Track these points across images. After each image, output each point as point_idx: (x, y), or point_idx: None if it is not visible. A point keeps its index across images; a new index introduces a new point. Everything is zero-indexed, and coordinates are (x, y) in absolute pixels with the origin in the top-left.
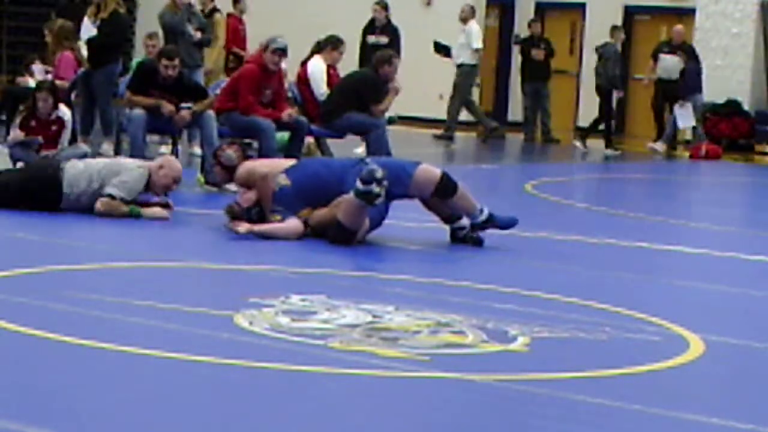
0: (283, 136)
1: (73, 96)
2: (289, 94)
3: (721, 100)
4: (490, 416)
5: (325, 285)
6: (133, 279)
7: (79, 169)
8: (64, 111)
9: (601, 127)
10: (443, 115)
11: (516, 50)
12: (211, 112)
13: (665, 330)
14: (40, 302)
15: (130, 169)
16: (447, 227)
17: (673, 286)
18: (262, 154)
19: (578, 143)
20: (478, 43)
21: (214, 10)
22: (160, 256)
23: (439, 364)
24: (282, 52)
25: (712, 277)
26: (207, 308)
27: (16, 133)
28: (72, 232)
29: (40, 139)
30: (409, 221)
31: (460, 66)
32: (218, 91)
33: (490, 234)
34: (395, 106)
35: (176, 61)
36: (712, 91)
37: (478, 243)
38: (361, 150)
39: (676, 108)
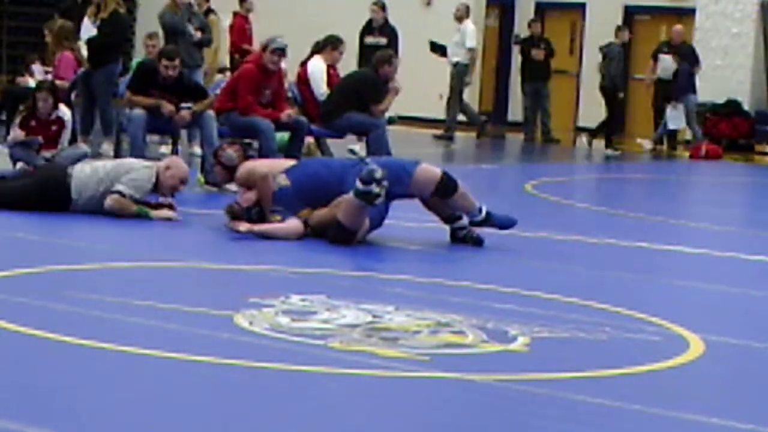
0: (283, 136)
1: (73, 96)
2: (289, 94)
3: (721, 100)
4: (490, 416)
5: (325, 285)
6: (133, 279)
7: (86, 174)
8: (64, 111)
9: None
10: (443, 115)
11: (516, 50)
12: (211, 112)
13: (665, 330)
14: (40, 302)
15: (138, 168)
16: (447, 227)
17: (673, 286)
18: (262, 154)
19: (612, 152)
20: (472, 42)
21: (209, 11)
22: (160, 256)
23: (439, 364)
24: (281, 52)
25: (712, 277)
26: (207, 308)
27: (16, 133)
28: (72, 232)
29: (40, 139)
30: (409, 221)
31: (455, 65)
32: (218, 91)
33: (490, 234)
34: (395, 106)
35: (176, 62)
36: (712, 91)
37: (478, 243)
38: (357, 147)
39: (669, 109)
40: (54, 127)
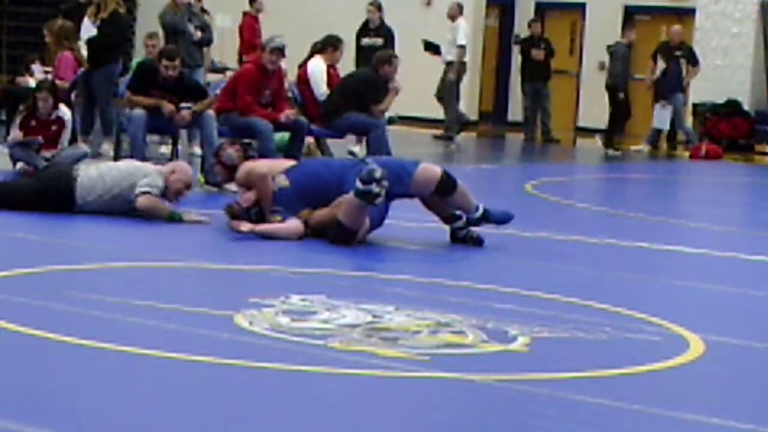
0: (284, 136)
1: (73, 96)
2: (289, 95)
3: (721, 100)
4: (490, 416)
5: (325, 285)
6: (133, 279)
7: (92, 178)
8: (64, 111)
9: (603, 126)
10: (443, 115)
11: (516, 50)
12: (211, 112)
13: (665, 330)
14: (40, 302)
15: (150, 173)
16: (447, 227)
17: (673, 286)
18: (261, 155)
19: (612, 152)
20: (463, 40)
21: (202, 10)
22: (160, 256)
23: (439, 364)
24: (280, 51)
25: (712, 277)
26: (207, 308)
27: (16, 133)
28: (72, 232)
29: (40, 139)
30: (409, 221)
31: (449, 64)
32: (218, 91)
33: (490, 234)
34: (395, 106)
35: (176, 61)
36: (712, 91)
37: (479, 243)
38: (357, 148)
39: (657, 108)
40: (54, 127)
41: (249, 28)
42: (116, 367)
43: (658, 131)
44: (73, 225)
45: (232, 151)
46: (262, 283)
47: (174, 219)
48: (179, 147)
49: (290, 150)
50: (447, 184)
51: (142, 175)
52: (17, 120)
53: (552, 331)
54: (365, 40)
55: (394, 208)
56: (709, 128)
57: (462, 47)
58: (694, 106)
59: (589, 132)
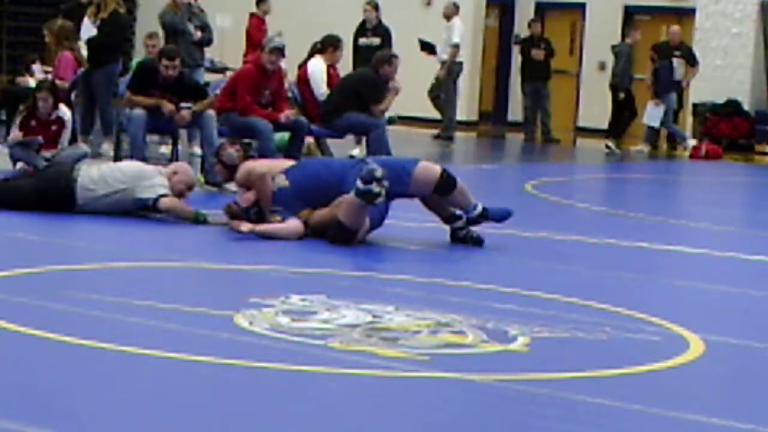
0: (284, 136)
1: (73, 96)
2: (289, 95)
3: (721, 100)
4: (490, 416)
5: (325, 285)
6: (133, 279)
7: (93, 178)
8: (64, 111)
9: (605, 126)
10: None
11: (516, 50)
12: (211, 112)
13: (665, 330)
14: (40, 302)
15: (155, 174)
16: (447, 227)
17: (673, 286)
18: (261, 155)
19: (614, 148)
20: (457, 39)
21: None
22: (160, 256)
23: (439, 364)
24: (279, 51)
25: (712, 277)
26: (207, 308)
27: (16, 133)
28: (72, 232)
29: (40, 139)
30: (409, 221)
31: (444, 63)
32: (218, 91)
33: (490, 234)
34: (395, 106)
35: (177, 61)
36: (712, 91)
37: (479, 243)
38: (356, 152)
39: (649, 105)
40: (54, 127)
41: (256, 29)
42: (116, 367)
43: (657, 131)
44: (74, 225)
45: (232, 151)
46: (262, 283)
47: (199, 220)
48: (179, 147)
49: (290, 150)
50: (447, 183)
51: (146, 177)
52: (17, 120)
53: (552, 331)
54: (362, 40)
55: (394, 208)
56: (709, 128)
57: (456, 46)
58: (694, 106)
59: (589, 132)
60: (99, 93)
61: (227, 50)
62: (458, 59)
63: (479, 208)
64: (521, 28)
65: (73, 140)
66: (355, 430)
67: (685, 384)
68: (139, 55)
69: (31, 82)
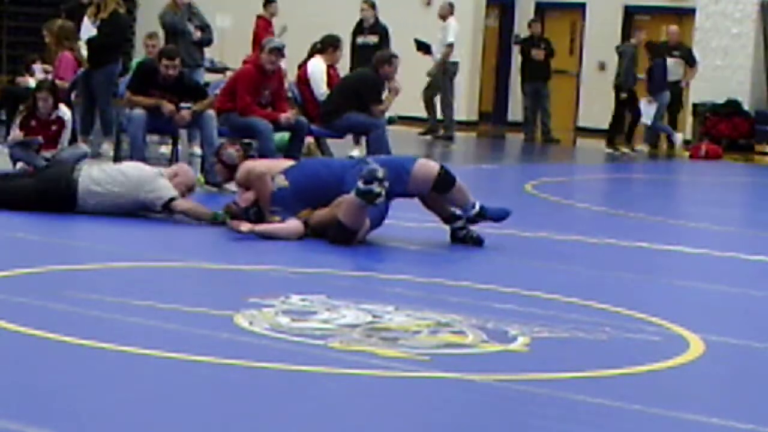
0: (284, 136)
1: (73, 96)
2: (289, 95)
3: (721, 101)
4: (490, 416)
5: (325, 285)
6: (133, 279)
7: (94, 179)
8: (64, 111)
9: (604, 126)
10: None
11: (516, 50)
12: (211, 112)
13: (665, 330)
14: (40, 302)
15: (157, 176)
16: (447, 227)
17: (673, 286)
18: (261, 155)
19: (627, 150)
20: (451, 39)
21: None
22: (160, 256)
23: (439, 364)
24: (278, 51)
25: (712, 277)
26: (207, 308)
27: (16, 133)
28: (72, 232)
29: (40, 139)
30: (409, 221)
31: (438, 63)
32: (218, 91)
33: (489, 234)
34: (395, 106)
35: (176, 61)
36: (712, 92)
37: (479, 243)
38: (356, 152)
39: (643, 102)
40: (54, 127)
41: (263, 30)
42: (116, 367)
43: (655, 131)
44: (74, 225)
45: (232, 151)
46: (262, 283)
47: (217, 220)
48: (179, 147)
49: (290, 150)
50: (445, 180)
51: (149, 182)
52: (17, 120)
53: (552, 331)
54: (360, 39)
55: (393, 208)
56: (709, 128)
57: (450, 46)
58: (694, 106)
59: (589, 132)
60: (99, 93)
61: (227, 50)
62: (453, 59)
63: (477, 208)
64: (521, 28)
65: (73, 140)
66: (355, 430)
67: (685, 384)
68: (139, 55)
69: (31, 82)
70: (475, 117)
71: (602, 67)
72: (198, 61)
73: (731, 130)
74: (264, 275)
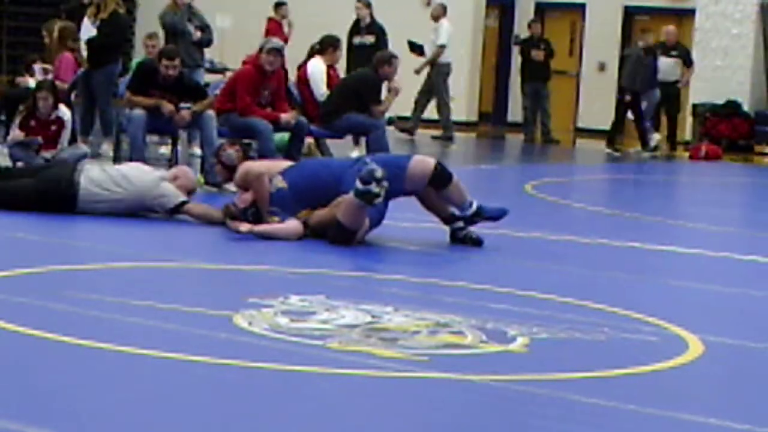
0: (284, 136)
1: (73, 96)
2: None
3: (720, 101)
4: (489, 416)
5: (324, 285)
6: (133, 279)
7: (95, 180)
8: (64, 111)
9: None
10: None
11: (516, 50)
12: (211, 112)
13: (663, 330)
14: (40, 302)
15: (160, 181)
16: (446, 228)
17: (671, 287)
18: (260, 155)
19: (639, 151)
20: (443, 40)
21: None
22: (160, 256)
23: (438, 365)
24: (277, 52)
25: (711, 277)
26: (206, 308)
27: (15, 133)
28: (72, 232)
29: (39, 139)
30: (407, 221)
31: (431, 64)
32: (218, 92)
33: (489, 234)
34: (394, 107)
35: (176, 61)
36: (712, 92)
37: (478, 243)
38: (356, 153)
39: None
40: (54, 127)
41: (274, 33)
42: (115, 367)
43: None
44: (74, 225)
45: (232, 151)
46: (261, 284)
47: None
48: (179, 147)
49: (290, 150)
50: (441, 176)
51: (153, 188)
52: (17, 120)
53: (551, 331)
54: (356, 39)
55: (392, 208)
56: (708, 129)
57: (441, 47)
58: (694, 106)
59: (588, 133)
60: (99, 93)
61: (227, 51)
62: (446, 60)
63: (474, 207)
64: (521, 29)
65: (72, 140)
66: (353, 431)
67: (683, 384)
68: (139, 55)
69: (31, 82)
70: (474, 117)
71: (602, 67)
72: (198, 62)
73: (731, 131)
74: (263, 275)
